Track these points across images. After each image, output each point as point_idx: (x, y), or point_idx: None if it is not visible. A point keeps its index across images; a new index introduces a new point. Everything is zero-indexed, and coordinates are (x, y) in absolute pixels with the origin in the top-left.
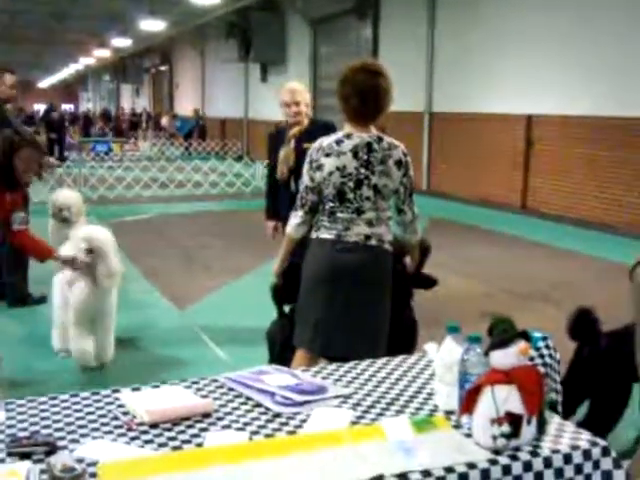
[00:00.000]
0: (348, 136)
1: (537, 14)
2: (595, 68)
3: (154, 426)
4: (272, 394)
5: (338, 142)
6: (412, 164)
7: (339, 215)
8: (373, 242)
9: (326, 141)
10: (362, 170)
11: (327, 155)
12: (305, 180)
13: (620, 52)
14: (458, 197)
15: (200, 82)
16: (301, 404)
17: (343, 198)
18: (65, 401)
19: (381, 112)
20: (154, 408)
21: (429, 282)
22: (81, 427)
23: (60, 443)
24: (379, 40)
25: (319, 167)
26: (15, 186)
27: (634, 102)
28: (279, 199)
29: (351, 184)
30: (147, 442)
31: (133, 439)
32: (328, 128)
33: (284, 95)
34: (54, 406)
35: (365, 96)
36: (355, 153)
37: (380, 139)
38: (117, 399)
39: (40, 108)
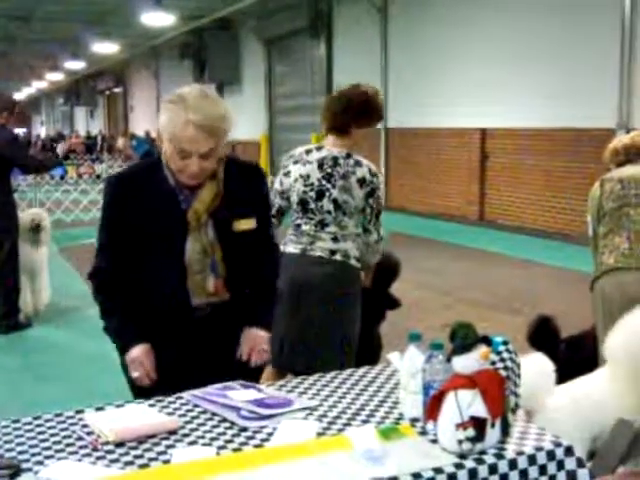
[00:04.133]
0: (318, 148)
1: (488, 31)
2: (545, 83)
3: (120, 445)
4: (237, 409)
5: (308, 152)
6: (379, 182)
7: (304, 228)
8: (338, 257)
9: (298, 150)
10: (324, 182)
11: (295, 162)
12: (276, 185)
13: (568, 67)
14: (416, 211)
15: (155, 103)
16: (267, 417)
17: (306, 208)
18: (28, 423)
19: (352, 124)
20: (119, 427)
21: (395, 303)
22: (45, 449)
23: (24, 465)
24: (333, 58)
25: (287, 173)
26: None
27: (583, 114)
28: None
29: (312, 194)
30: (113, 461)
31: (99, 459)
32: (255, 175)
33: (183, 132)
34: (17, 429)
35: (340, 108)
36: (321, 165)
37: (349, 155)
38: (81, 419)
39: None
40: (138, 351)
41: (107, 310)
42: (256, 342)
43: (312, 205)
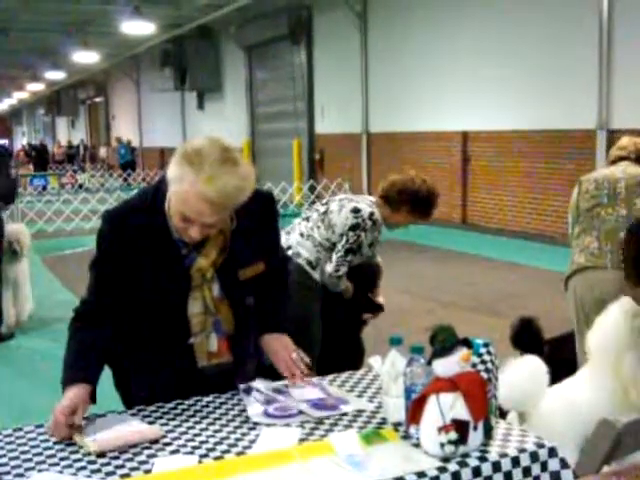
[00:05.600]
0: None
1: (468, 36)
2: (526, 85)
3: (101, 455)
4: (267, 403)
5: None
6: (369, 228)
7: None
8: (289, 252)
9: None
10: (338, 198)
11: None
12: None
13: (548, 70)
14: None
15: (137, 112)
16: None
17: (312, 209)
18: (9, 435)
19: (405, 208)
20: (100, 437)
21: (377, 308)
22: (26, 461)
23: (5, 478)
24: (313, 64)
25: None
26: None
27: (563, 116)
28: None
29: (325, 203)
30: (94, 472)
31: (80, 469)
32: (266, 208)
33: (190, 200)
34: None
35: (404, 191)
36: (350, 197)
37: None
38: None
39: None
40: (70, 398)
41: (73, 337)
42: (288, 355)
43: (318, 207)
